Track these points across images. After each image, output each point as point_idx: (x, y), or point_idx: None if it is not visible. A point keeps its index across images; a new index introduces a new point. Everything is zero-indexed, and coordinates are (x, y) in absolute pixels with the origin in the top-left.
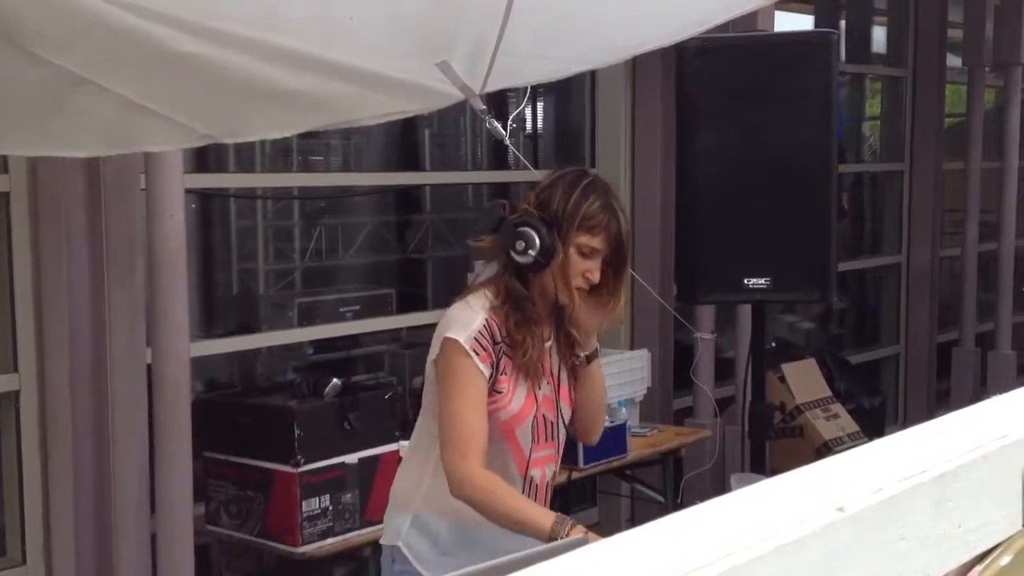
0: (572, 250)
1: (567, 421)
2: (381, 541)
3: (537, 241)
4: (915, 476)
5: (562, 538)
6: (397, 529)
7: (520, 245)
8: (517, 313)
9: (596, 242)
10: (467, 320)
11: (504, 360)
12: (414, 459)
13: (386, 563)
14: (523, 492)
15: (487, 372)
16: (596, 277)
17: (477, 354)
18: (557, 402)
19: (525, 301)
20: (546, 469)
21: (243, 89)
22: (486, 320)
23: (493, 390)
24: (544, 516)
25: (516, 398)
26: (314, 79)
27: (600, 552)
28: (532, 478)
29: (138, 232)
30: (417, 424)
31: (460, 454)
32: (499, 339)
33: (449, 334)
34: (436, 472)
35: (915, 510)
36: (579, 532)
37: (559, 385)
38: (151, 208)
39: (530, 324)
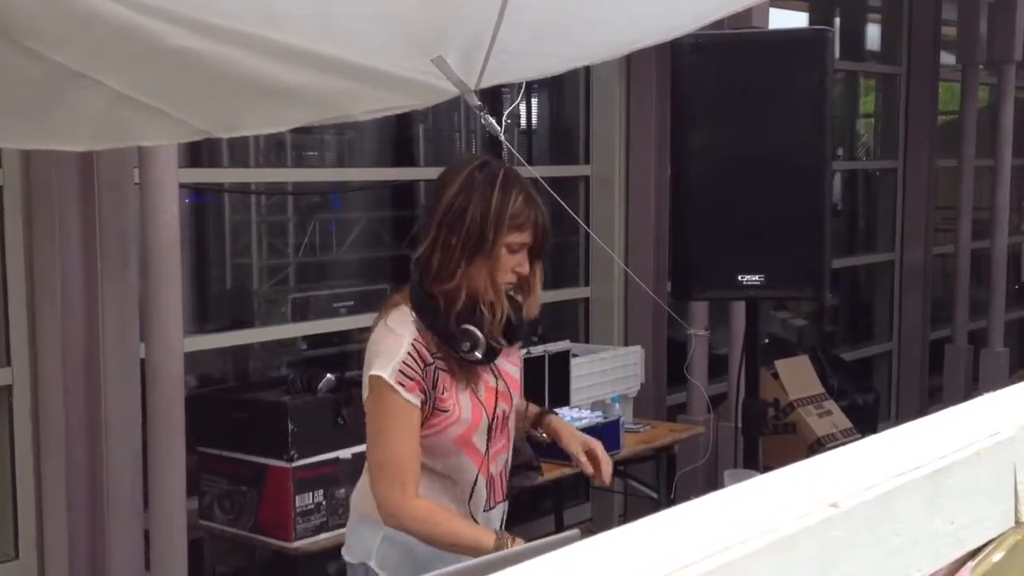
0: (502, 250)
1: (518, 400)
2: (346, 557)
3: (482, 340)
4: (908, 472)
5: (507, 547)
6: (367, 547)
7: (465, 346)
8: (438, 334)
9: (525, 237)
10: (391, 350)
11: (441, 376)
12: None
13: None
14: (485, 490)
15: (418, 401)
16: (526, 269)
17: (403, 386)
18: (509, 393)
19: (441, 318)
20: (499, 460)
21: (238, 84)
22: (411, 344)
23: (437, 410)
24: (484, 535)
25: (464, 410)
26: (309, 74)
27: (594, 547)
28: (492, 475)
29: (132, 227)
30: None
31: (397, 489)
32: (430, 360)
33: (374, 371)
34: None
35: (908, 506)
36: (520, 544)
37: (500, 375)
38: (145, 203)
39: (451, 341)
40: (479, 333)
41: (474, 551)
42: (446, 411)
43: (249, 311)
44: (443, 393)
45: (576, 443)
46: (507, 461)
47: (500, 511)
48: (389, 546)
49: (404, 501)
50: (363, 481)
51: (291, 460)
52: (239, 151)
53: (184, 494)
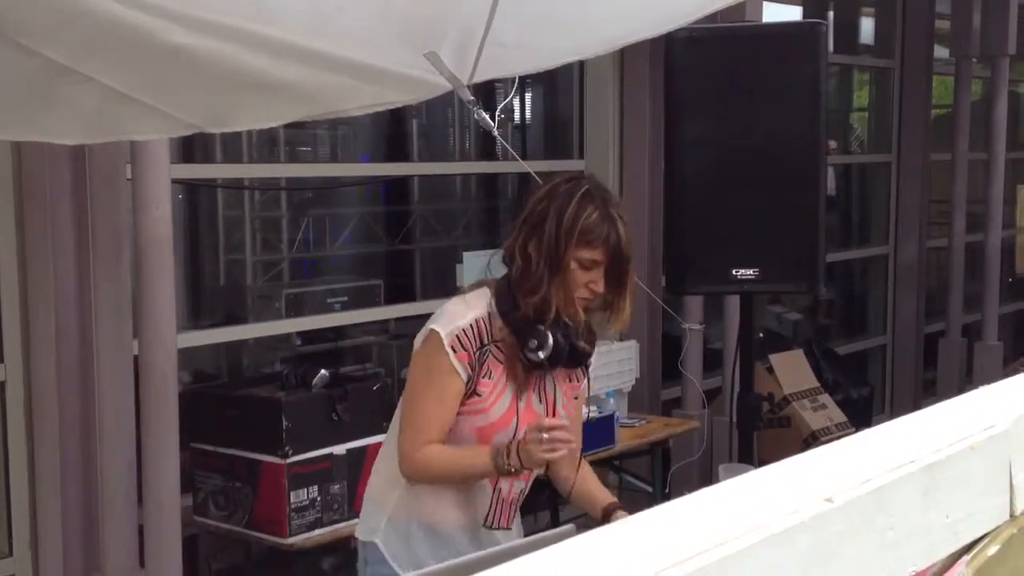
0: (573, 264)
1: None
2: (357, 535)
3: (550, 343)
4: (903, 467)
5: (507, 465)
6: (374, 527)
7: (533, 343)
8: (510, 323)
9: (596, 254)
10: (456, 315)
11: (491, 363)
12: (390, 460)
13: (360, 564)
14: (489, 502)
15: (463, 372)
16: (600, 287)
17: (455, 351)
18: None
19: (517, 310)
20: (514, 484)
21: (230, 79)
22: (476, 319)
23: (474, 392)
24: (481, 455)
25: (497, 406)
26: (301, 69)
27: (590, 543)
28: (500, 489)
29: (124, 222)
30: (392, 424)
31: (410, 444)
32: (487, 341)
33: (434, 326)
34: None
35: (903, 500)
36: (513, 451)
37: (552, 406)
38: (137, 198)
39: (520, 334)
40: (549, 335)
41: (477, 472)
42: (480, 395)
43: (243, 307)
44: (485, 378)
45: None
46: (522, 492)
47: (503, 536)
48: (391, 529)
49: (415, 454)
50: (379, 464)
51: (285, 456)
52: (232, 146)
53: (178, 490)
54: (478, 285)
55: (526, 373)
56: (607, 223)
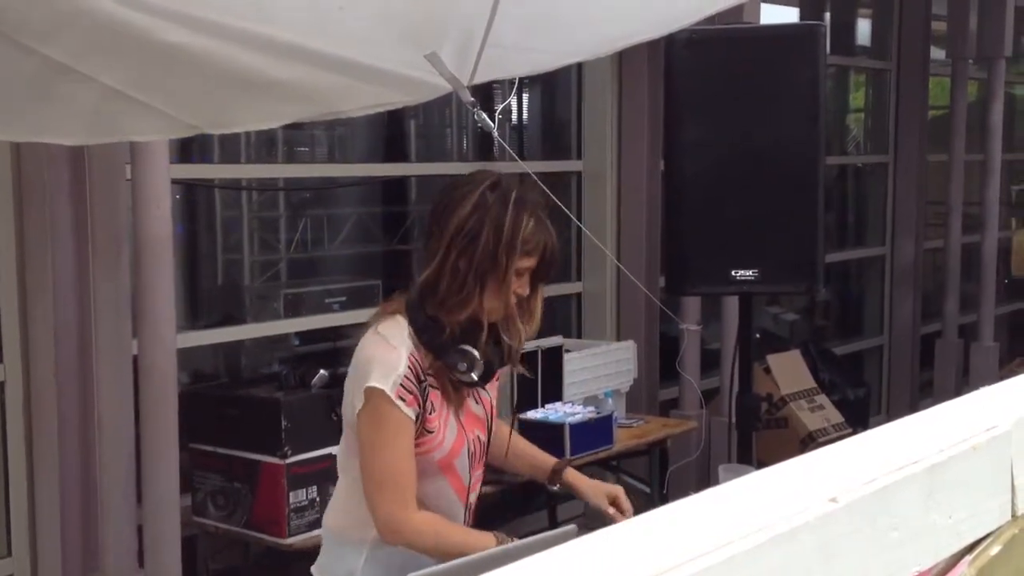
0: (512, 274)
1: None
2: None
3: (479, 360)
4: (906, 467)
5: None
6: (348, 569)
7: (463, 366)
8: (436, 352)
9: (531, 261)
10: (389, 363)
11: (431, 396)
12: (353, 496)
13: None
14: (463, 517)
15: (414, 415)
16: (526, 291)
17: (403, 400)
18: (488, 421)
19: (439, 337)
20: (479, 487)
21: (230, 79)
22: (408, 357)
23: (424, 430)
24: (486, 540)
25: (448, 434)
26: (301, 70)
27: (594, 543)
28: (471, 503)
29: (123, 222)
30: (342, 462)
31: (398, 505)
32: (423, 376)
33: (372, 383)
34: None
35: (906, 501)
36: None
37: (480, 400)
38: (137, 198)
39: (448, 360)
40: (476, 354)
41: (475, 552)
42: (431, 432)
43: (241, 307)
44: (431, 413)
45: (600, 495)
46: (479, 489)
47: None
48: (373, 564)
49: (406, 515)
50: (337, 500)
51: (284, 456)
52: (230, 147)
53: (177, 490)
54: (386, 314)
55: (457, 392)
56: (542, 230)
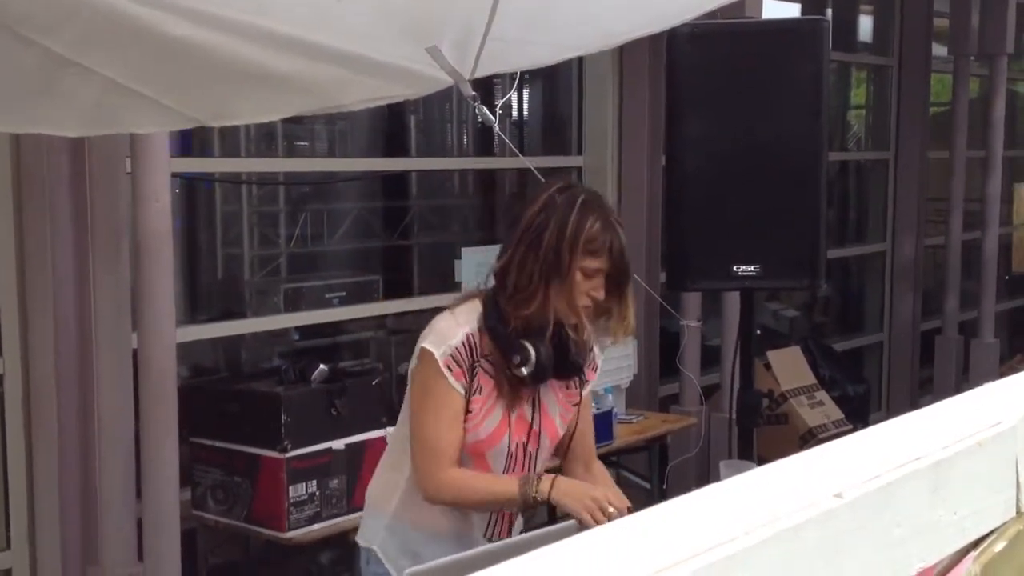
0: (576, 274)
1: (551, 453)
2: (358, 540)
3: (533, 359)
4: (911, 463)
5: (533, 494)
6: (374, 531)
7: (516, 359)
8: (496, 339)
9: (599, 263)
10: (447, 333)
11: (481, 378)
12: (390, 465)
13: (362, 563)
14: (488, 515)
15: (461, 389)
16: (601, 294)
17: (451, 370)
18: (540, 435)
19: (503, 326)
20: None
21: (230, 72)
22: (467, 335)
23: (466, 409)
24: (510, 484)
25: (488, 422)
26: (302, 63)
27: (597, 539)
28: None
29: (123, 216)
30: (395, 430)
31: (434, 465)
32: (478, 356)
33: (426, 344)
34: (411, 481)
35: (911, 497)
36: (547, 482)
37: (542, 417)
38: (136, 192)
39: (505, 350)
40: (532, 351)
41: (505, 502)
42: (471, 412)
43: (241, 301)
44: (476, 394)
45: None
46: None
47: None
48: (390, 535)
49: (440, 475)
50: (380, 471)
51: (284, 451)
52: (230, 141)
53: (177, 484)
54: (467, 298)
55: (512, 388)
56: (609, 231)
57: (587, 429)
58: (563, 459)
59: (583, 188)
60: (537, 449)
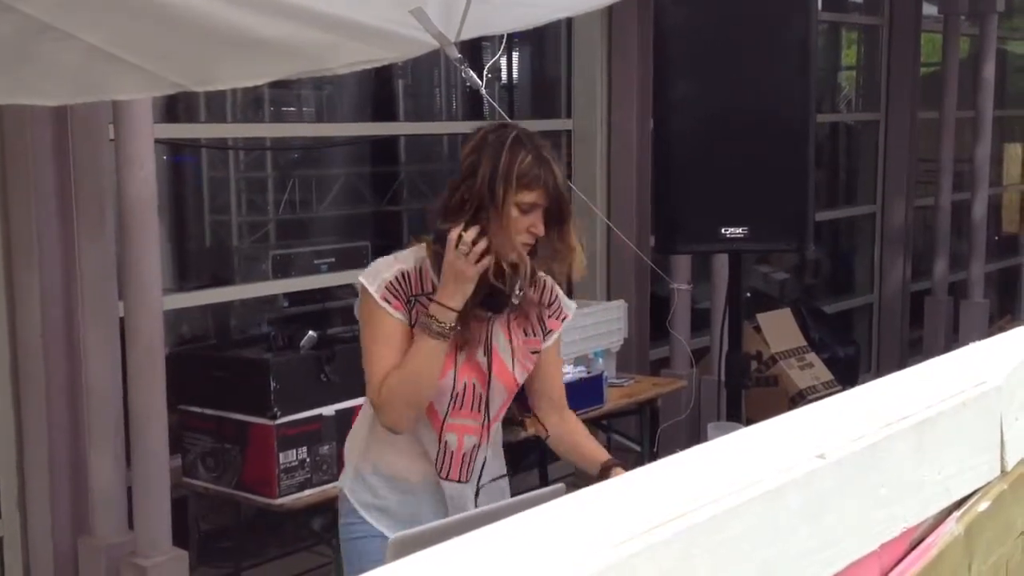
0: (512, 208)
1: (506, 398)
2: (339, 483)
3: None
4: (895, 423)
5: (434, 324)
6: (344, 480)
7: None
8: (438, 276)
9: (534, 196)
10: (381, 268)
11: (420, 309)
12: (361, 417)
13: (340, 512)
14: (436, 454)
15: (403, 318)
16: (540, 229)
17: (389, 302)
18: (490, 376)
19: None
20: (464, 439)
21: (213, 36)
22: (402, 271)
23: (409, 337)
24: (418, 338)
25: None
26: (286, 26)
27: (583, 501)
28: (447, 442)
29: (107, 184)
30: None
31: (374, 388)
32: (419, 292)
33: (360, 278)
34: (372, 429)
35: (895, 457)
36: (432, 305)
37: (493, 358)
38: (120, 159)
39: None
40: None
41: (429, 349)
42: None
43: (229, 268)
44: (415, 326)
45: None
46: (473, 448)
47: (461, 489)
48: (358, 480)
49: (379, 388)
50: (355, 424)
51: (274, 418)
52: (216, 106)
53: (167, 452)
54: (415, 242)
55: (464, 326)
56: (541, 164)
57: (555, 374)
58: (535, 408)
59: (516, 127)
60: (488, 391)
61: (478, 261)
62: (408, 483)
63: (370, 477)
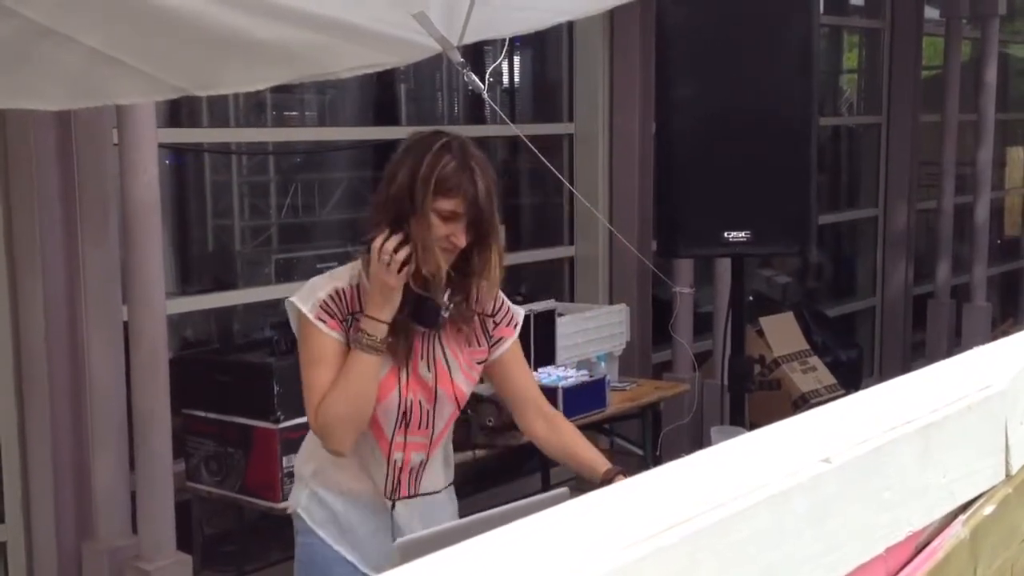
0: (432, 215)
1: (453, 411)
2: (289, 506)
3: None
4: (900, 427)
5: (364, 338)
6: (297, 500)
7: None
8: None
9: (454, 204)
10: (315, 287)
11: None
12: (309, 438)
13: (295, 529)
14: (385, 472)
15: (339, 337)
16: (461, 240)
17: (324, 322)
18: (435, 390)
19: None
20: (411, 455)
21: (216, 40)
22: (336, 289)
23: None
24: (351, 356)
25: None
26: (289, 30)
27: (590, 503)
28: (395, 461)
29: (111, 188)
30: None
31: (311, 411)
32: (355, 310)
33: (293, 299)
34: (321, 448)
35: (900, 461)
36: (362, 319)
37: (437, 371)
38: (124, 163)
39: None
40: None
41: (362, 363)
42: None
43: (232, 272)
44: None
45: None
46: (421, 463)
47: (408, 507)
48: (313, 500)
49: (316, 412)
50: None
51: (277, 421)
52: (219, 111)
53: (170, 456)
54: (353, 260)
55: (394, 340)
56: (464, 172)
57: (522, 375)
58: (519, 420)
59: (451, 135)
60: (435, 405)
61: (400, 270)
62: (361, 503)
63: (326, 498)
